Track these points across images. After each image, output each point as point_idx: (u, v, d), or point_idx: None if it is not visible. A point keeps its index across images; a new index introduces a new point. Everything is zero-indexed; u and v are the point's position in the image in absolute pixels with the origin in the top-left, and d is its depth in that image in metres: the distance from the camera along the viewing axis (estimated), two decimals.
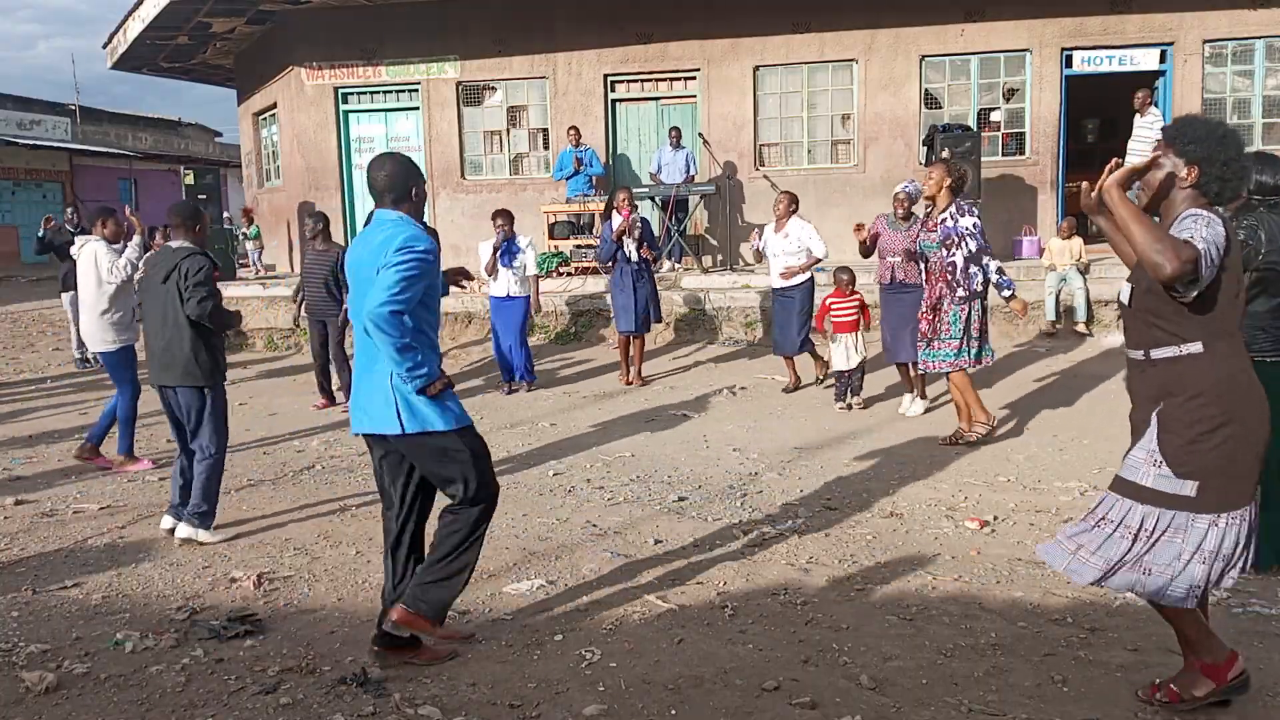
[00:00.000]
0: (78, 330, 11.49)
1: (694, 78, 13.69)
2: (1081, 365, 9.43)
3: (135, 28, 14.69)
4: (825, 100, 13.52)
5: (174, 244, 5.42)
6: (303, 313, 9.43)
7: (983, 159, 11.83)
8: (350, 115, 14.82)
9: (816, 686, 3.50)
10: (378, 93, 14.70)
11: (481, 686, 3.57)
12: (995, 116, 13.26)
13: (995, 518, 5.32)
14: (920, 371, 7.41)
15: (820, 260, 8.57)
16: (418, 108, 14.41)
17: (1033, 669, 3.59)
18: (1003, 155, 13.17)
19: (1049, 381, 8.89)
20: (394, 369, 3.53)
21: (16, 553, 5.21)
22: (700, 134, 13.18)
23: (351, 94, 14.73)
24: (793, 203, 8.76)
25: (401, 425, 3.57)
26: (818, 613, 4.15)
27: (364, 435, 3.78)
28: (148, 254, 5.53)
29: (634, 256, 9.03)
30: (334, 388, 9.00)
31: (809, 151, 13.60)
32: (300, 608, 4.38)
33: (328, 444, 7.54)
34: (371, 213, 3.90)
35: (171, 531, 5.38)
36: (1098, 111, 15.50)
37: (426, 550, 3.81)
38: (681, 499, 5.85)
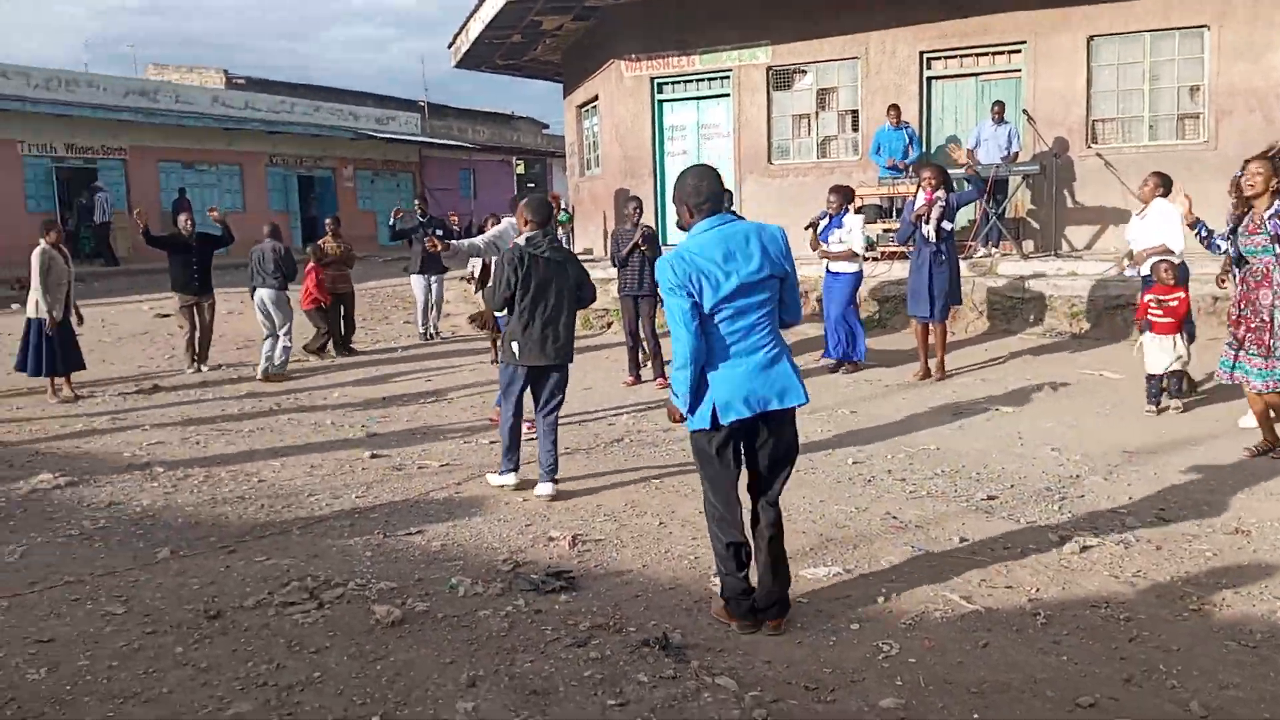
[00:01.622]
0: (424, 308, 12.83)
1: (1018, 51, 12.87)
2: None
3: (476, 28, 16.01)
4: (1170, 71, 12.23)
5: (546, 236, 5.85)
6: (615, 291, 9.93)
7: None
8: (664, 104, 15.32)
9: (1139, 709, 3.23)
10: (690, 81, 15.09)
11: (777, 665, 3.61)
12: None
13: None
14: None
15: (1173, 253, 7.68)
16: (728, 95, 14.64)
17: None
18: None
19: None
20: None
21: (371, 500, 5.91)
22: (1025, 110, 12.40)
23: (666, 84, 15.22)
24: (1161, 185, 7.94)
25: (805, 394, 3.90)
26: (1143, 630, 3.82)
27: (750, 417, 3.79)
28: (537, 241, 5.92)
29: (931, 238, 8.69)
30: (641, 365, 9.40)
31: (1150, 127, 12.38)
32: (609, 570, 4.64)
33: (635, 419, 7.90)
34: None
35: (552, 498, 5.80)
36: None
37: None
38: (991, 497, 5.58)
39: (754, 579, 3.98)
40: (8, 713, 3.37)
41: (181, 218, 11.02)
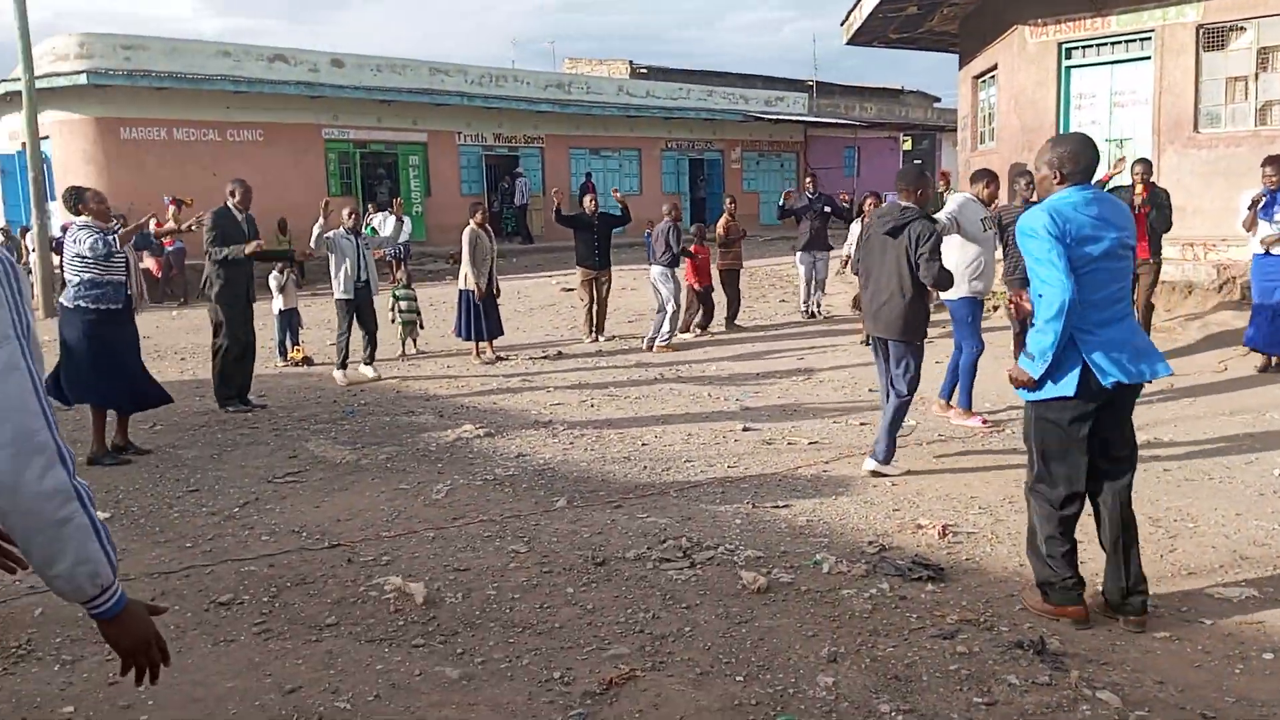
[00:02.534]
0: (807, 286, 12.94)
1: None
2: None
3: (870, 3, 15.74)
4: None
5: (902, 204, 5.81)
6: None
7: None
8: (1072, 70, 14.14)
9: None
10: (1104, 44, 13.78)
11: (1169, 687, 3.28)
12: None
13: None
14: None
15: None
16: (1148, 57, 13.19)
17: None
18: None
19: None
20: None
21: (741, 471, 6.11)
22: None
23: (1075, 48, 14.02)
24: None
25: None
26: None
27: (1117, 386, 3.63)
28: (878, 210, 6.01)
29: None
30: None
31: None
32: (980, 565, 4.45)
33: (1020, 409, 7.44)
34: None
35: (873, 473, 5.90)
36: None
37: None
38: None
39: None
40: (429, 628, 3.92)
41: (586, 199, 11.98)
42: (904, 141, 16.93)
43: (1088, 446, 3.71)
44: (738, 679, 3.43)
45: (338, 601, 4.22)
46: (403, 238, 12.11)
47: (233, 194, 8.18)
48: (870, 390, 8.17)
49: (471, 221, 10.42)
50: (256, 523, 5.32)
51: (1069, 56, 14.08)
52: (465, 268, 10.41)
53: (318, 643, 3.83)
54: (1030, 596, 3.92)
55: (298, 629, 3.96)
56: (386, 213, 16.18)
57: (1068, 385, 3.63)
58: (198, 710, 3.32)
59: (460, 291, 10.52)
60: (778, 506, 5.35)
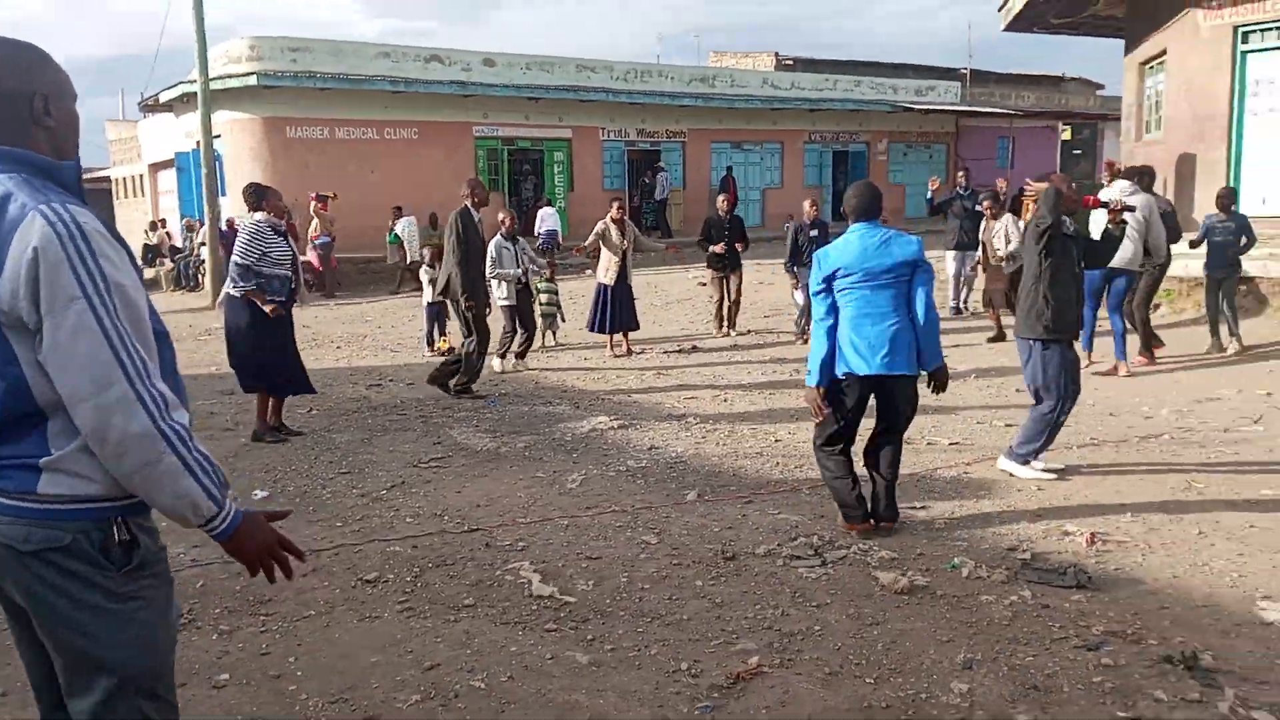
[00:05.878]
0: (956, 283, 12.56)
1: None
2: None
3: None
4: None
5: None
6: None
7: None
8: (1248, 56, 13.21)
9: None
10: None
11: None
12: None
13: None
14: None
15: None
16: None
17: None
18: None
19: None
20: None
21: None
22: None
23: (1253, 32, 13.09)
24: None
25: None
26: None
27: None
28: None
29: None
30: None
31: None
32: (1130, 575, 4.24)
33: (1179, 413, 7.05)
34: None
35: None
36: None
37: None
38: None
39: None
40: (561, 614, 4.01)
41: (720, 199, 11.96)
42: (1063, 131, 16.16)
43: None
44: (868, 681, 3.38)
45: (476, 584, 4.36)
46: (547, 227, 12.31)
47: (468, 195, 8.31)
48: (1018, 390, 7.87)
49: (609, 217, 10.51)
50: (402, 505, 5.55)
51: (1245, 41, 13.17)
52: (603, 261, 10.54)
53: (456, 623, 3.97)
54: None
55: (438, 609, 4.11)
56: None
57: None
58: (342, 682, 3.49)
59: (598, 284, 10.66)
60: (914, 508, 5.22)
